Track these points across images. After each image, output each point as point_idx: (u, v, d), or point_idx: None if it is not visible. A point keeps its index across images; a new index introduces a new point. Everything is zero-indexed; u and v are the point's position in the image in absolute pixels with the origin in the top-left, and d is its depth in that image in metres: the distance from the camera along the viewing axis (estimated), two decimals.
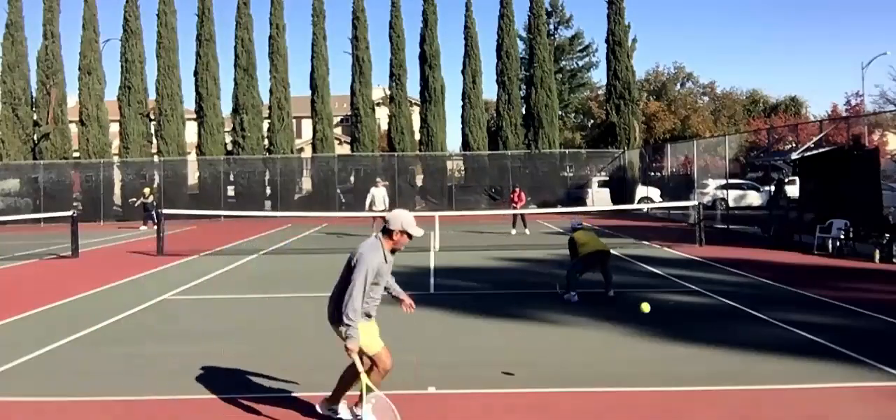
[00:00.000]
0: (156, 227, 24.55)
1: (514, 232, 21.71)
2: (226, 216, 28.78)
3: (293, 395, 6.10)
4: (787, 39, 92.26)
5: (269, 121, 35.11)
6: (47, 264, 15.90)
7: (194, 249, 18.05)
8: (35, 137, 34.34)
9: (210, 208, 29.14)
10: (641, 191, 30.94)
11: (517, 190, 22.53)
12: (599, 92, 48.44)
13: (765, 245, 17.01)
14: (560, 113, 42.61)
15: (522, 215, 22.08)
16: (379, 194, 20.58)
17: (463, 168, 36.97)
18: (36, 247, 19.50)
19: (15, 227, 26.23)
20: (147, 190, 27.64)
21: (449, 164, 36.30)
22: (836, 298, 9.95)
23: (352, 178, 34.87)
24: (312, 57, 34.98)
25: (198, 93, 34.40)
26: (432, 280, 12.61)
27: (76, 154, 34.76)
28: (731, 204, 25.44)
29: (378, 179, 22.64)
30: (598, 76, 58.16)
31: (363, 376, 5.08)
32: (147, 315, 9.71)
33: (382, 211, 21.94)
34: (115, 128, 35.77)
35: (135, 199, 28.09)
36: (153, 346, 7.76)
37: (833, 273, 12.85)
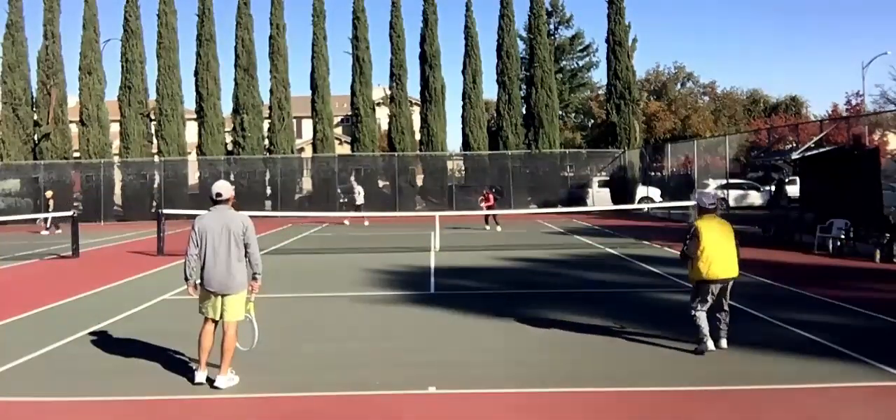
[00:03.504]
0: (48, 231, 24.47)
1: (487, 228, 23.33)
2: None
3: (293, 394, 6.10)
4: (787, 39, 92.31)
5: (269, 121, 35.11)
6: (47, 264, 15.90)
7: None
8: (35, 137, 34.35)
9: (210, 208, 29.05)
10: (642, 191, 30.95)
11: (485, 192, 24.53)
12: (600, 92, 48.40)
13: (765, 245, 16.99)
14: (560, 113, 42.58)
15: (494, 214, 23.83)
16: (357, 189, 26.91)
17: (463, 168, 36.96)
18: (36, 247, 19.50)
19: (15, 227, 26.23)
20: (49, 193, 27.24)
21: (449, 164, 36.29)
22: (837, 298, 9.95)
23: (352, 178, 34.88)
24: (313, 57, 34.98)
25: (198, 93, 34.40)
26: (432, 280, 12.60)
27: (76, 154, 34.76)
28: (732, 204, 25.44)
29: (353, 181, 28.50)
30: (599, 76, 58.10)
31: None
32: (147, 315, 9.71)
33: (360, 203, 26.27)
34: (115, 128, 35.77)
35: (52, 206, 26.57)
36: (153, 346, 7.76)
37: (833, 273, 12.85)
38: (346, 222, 26.72)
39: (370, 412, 5.69)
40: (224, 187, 6.49)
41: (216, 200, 6.42)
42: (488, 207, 23.64)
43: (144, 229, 24.42)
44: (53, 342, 8.00)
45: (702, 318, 7.05)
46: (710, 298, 7.06)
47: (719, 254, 6.95)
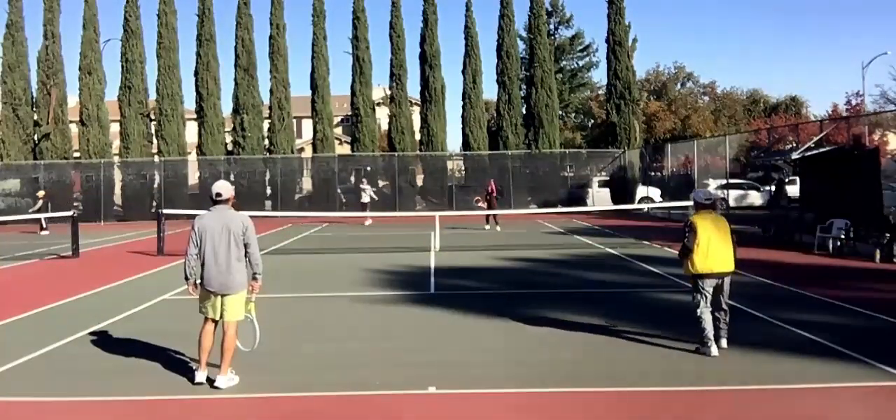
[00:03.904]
0: (47, 231, 24.21)
1: (487, 228, 23.34)
2: None
3: (293, 394, 6.10)
4: (787, 39, 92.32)
5: (269, 121, 35.10)
6: (47, 264, 15.90)
7: None
8: (35, 137, 34.34)
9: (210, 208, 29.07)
10: (642, 191, 30.96)
11: (490, 186, 24.12)
12: (600, 92, 48.39)
13: (765, 245, 16.99)
14: (560, 113, 42.56)
15: (494, 214, 23.66)
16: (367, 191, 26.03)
17: (463, 168, 36.95)
18: (36, 247, 19.50)
19: (15, 227, 26.22)
20: (40, 193, 26.44)
21: (449, 164, 36.28)
22: (836, 298, 9.95)
23: (352, 178, 34.87)
24: (313, 57, 34.97)
25: (198, 93, 34.40)
26: (432, 280, 12.60)
27: (76, 154, 34.76)
28: (732, 204, 25.45)
29: (364, 179, 27.63)
30: (599, 76, 58.11)
31: None
32: (147, 315, 9.71)
33: (366, 201, 25.96)
34: (115, 128, 35.76)
35: (39, 206, 25.62)
36: (153, 346, 7.76)
37: (833, 273, 12.85)
38: (368, 222, 26.50)
39: (370, 412, 5.69)
40: (224, 187, 6.50)
41: (216, 200, 6.42)
42: (489, 205, 23.63)
43: (144, 229, 24.43)
44: (53, 342, 8.00)
45: (707, 317, 7.09)
46: (708, 293, 7.14)
47: (715, 248, 7.06)
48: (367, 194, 26.81)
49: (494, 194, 23.84)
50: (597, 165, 35.14)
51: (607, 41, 35.33)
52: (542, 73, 35.00)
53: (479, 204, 24.55)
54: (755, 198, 29.97)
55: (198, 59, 34.41)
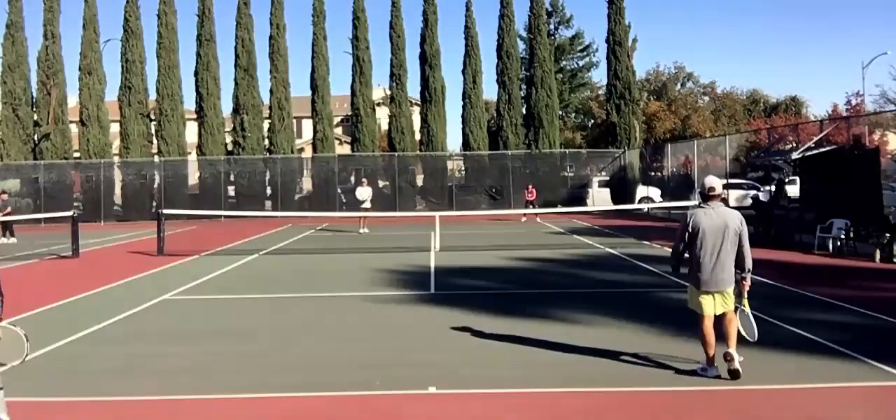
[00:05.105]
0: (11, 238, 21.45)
1: (523, 220, 25.93)
2: (226, 216, 28.83)
3: (293, 394, 6.10)
4: (787, 39, 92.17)
5: (269, 121, 35.10)
6: (48, 264, 15.90)
7: (194, 249, 18.05)
8: (35, 138, 34.35)
9: (210, 208, 29.18)
10: (642, 191, 30.96)
11: (529, 187, 28.14)
12: (600, 92, 48.38)
13: (765, 245, 16.98)
14: (560, 113, 42.53)
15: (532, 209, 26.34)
16: (365, 193, 23.67)
17: (463, 168, 36.95)
18: (36, 247, 19.50)
19: (15, 228, 26.18)
20: (5, 195, 23.21)
21: (449, 164, 36.28)
22: (837, 298, 9.95)
23: (352, 179, 34.86)
24: (313, 57, 34.97)
25: (198, 93, 34.40)
26: (432, 280, 12.61)
27: (76, 154, 34.77)
28: (732, 204, 25.45)
29: (363, 179, 25.95)
30: (599, 76, 57.84)
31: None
32: (147, 315, 9.71)
33: (367, 209, 23.40)
34: (115, 128, 35.77)
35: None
36: (153, 346, 7.76)
37: (833, 273, 12.85)
38: (364, 230, 23.33)
39: (370, 412, 5.69)
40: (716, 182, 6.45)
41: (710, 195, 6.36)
42: (530, 202, 26.41)
43: (144, 229, 24.40)
44: (53, 342, 8.00)
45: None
46: None
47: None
48: (366, 194, 23.55)
49: (533, 199, 27.13)
50: (597, 165, 35.14)
51: (607, 41, 35.33)
52: (542, 73, 35.00)
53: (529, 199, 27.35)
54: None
55: (198, 59, 34.41)
